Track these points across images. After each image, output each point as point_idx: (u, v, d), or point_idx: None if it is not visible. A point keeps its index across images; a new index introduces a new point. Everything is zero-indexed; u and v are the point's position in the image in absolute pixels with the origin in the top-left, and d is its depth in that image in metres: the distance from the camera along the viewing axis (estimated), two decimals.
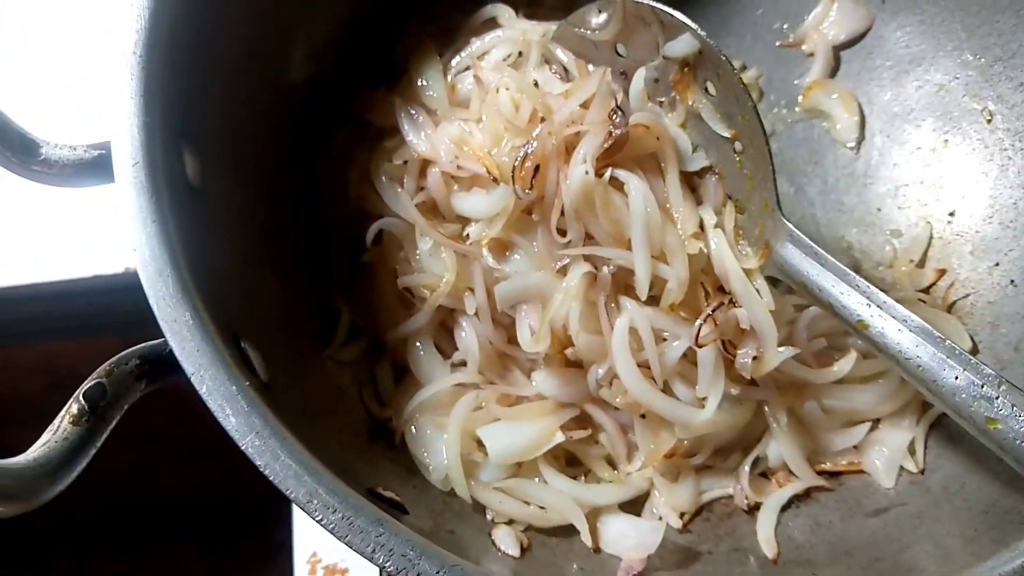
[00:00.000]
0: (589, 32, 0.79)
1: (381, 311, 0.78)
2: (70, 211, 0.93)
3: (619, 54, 0.78)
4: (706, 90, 0.73)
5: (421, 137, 0.78)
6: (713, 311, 0.69)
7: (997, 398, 0.61)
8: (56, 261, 0.92)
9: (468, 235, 0.75)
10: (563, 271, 0.72)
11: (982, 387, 0.62)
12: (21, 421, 0.71)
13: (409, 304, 0.78)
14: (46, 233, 0.94)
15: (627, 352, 0.69)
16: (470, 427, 0.72)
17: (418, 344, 0.77)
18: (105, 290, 0.89)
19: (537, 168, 0.70)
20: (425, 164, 0.78)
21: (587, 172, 0.68)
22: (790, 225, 0.70)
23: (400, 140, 0.79)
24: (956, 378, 0.63)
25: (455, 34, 0.86)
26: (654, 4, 0.73)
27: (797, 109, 0.92)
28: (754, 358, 0.70)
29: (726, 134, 0.73)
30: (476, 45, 0.84)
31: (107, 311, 0.89)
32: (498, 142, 0.74)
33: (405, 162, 0.78)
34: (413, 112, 0.79)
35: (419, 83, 0.82)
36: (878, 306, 0.66)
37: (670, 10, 0.72)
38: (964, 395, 0.62)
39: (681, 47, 0.72)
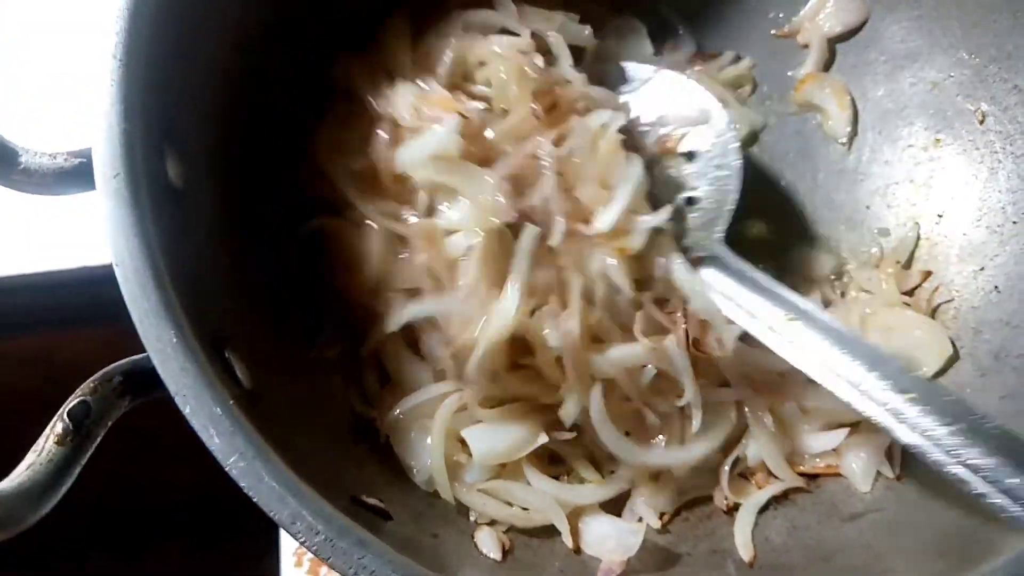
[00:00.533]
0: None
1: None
2: (57, 201, 0.91)
3: None
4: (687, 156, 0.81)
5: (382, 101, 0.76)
6: (686, 315, 0.73)
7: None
8: (44, 251, 0.92)
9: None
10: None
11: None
12: (16, 414, 0.71)
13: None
14: (34, 223, 0.93)
15: (608, 424, 0.70)
16: (454, 428, 0.72)
17: (395, 343, 0.76)
18: (94, 281, 0.89)
19: (554, 106, 0.74)
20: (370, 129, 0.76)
21: (605, 125, 0.73)
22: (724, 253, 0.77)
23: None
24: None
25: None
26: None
27: (790, 103, 0.91)
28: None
29: (687, 195, 0.80)
30: (464, 19, 0.80)
31: (97, 301, 0.89)
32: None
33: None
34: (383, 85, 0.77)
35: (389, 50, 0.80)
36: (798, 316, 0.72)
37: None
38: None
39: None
